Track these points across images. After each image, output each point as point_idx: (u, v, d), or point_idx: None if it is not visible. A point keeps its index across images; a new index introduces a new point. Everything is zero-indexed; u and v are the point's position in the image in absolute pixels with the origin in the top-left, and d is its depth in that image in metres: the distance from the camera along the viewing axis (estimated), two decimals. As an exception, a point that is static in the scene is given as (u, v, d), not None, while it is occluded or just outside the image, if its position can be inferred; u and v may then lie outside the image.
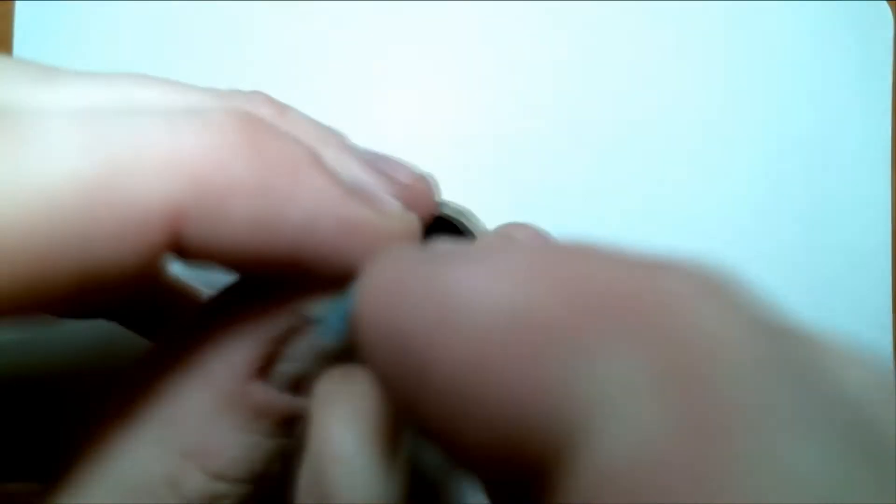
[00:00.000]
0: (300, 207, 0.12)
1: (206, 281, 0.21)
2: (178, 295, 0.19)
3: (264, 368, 0.13)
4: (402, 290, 0.09)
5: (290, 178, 0.12)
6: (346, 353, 0.12)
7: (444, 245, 0.11)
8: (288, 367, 0.14)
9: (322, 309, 0.13)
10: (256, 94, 0.14)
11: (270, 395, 0.13)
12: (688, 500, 0.07)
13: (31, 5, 0.26)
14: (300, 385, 0.14)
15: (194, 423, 0.13)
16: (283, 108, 0.14)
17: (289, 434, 0.14)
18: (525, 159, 0.26)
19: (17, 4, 0.26)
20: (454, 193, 0.20)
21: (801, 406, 0.07)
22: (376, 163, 0.15)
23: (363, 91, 0.26)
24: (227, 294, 0.14)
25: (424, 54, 0.27)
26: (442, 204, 0.15)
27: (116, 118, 0.11)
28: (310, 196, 0.12)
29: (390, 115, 0.26)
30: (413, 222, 0.14)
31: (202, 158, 0.11)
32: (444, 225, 0.15)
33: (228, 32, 0.26)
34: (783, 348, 0.08)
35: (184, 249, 0.11)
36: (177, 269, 0.22)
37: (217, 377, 0.13)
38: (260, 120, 0.12)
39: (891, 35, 0.27)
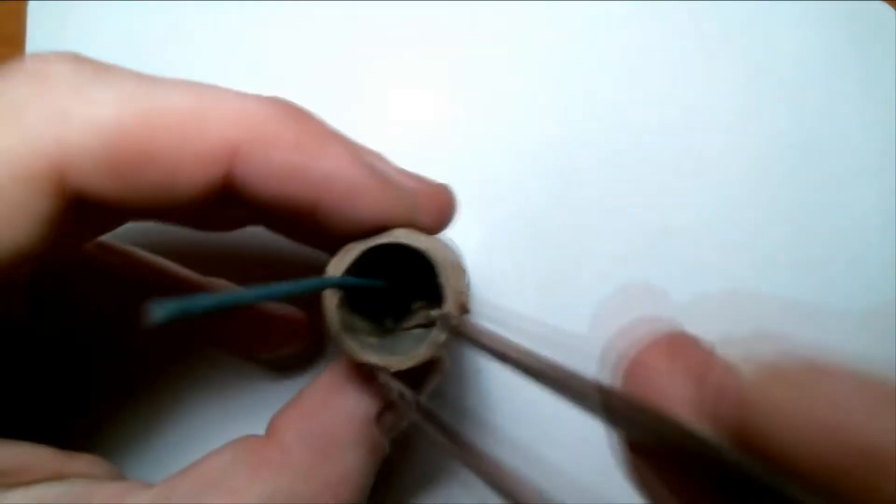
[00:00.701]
0: (322, 165, 0.15)
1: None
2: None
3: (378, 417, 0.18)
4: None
5: (318, 142, 0.15)
6: None
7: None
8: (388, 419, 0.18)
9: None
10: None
11: (381, 438, 0.17)
12: None
13: (44, 5, 0.26)
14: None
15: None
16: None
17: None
18: (535, 168, 0.26)
19: (30, 4, 0.26)
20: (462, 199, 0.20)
21: None
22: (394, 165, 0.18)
23: (365, 103, 0.27)
24: None
25: (433, 61, 0.27)
26: (415, 239, 0.16)
27: (202, 83, 0.15)
28: (331, 158, 0.15)
29: (398, 124, 0.27)
30: (413, 200, 0.17)
31: (257, 116, 0.15)
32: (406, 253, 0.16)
33: (238, 33, 0.27)
34: None
35: (232, 185, 0.15)
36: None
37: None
38: (299, 105, 0.16)
39: (893, 37, 0.27)
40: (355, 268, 0.16)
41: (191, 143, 0.14)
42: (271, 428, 0.18)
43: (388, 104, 0.27)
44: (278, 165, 0.15)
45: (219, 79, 0.26)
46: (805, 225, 0.26)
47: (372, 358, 0.16)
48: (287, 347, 0.24)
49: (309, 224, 0.16)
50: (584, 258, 0.26)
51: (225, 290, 0.22)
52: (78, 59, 0.15)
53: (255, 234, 0.23)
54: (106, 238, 0.21)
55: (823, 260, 0.26)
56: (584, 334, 0.25)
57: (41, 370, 0.22)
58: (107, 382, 0.24)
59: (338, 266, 0.16)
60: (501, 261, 0.25)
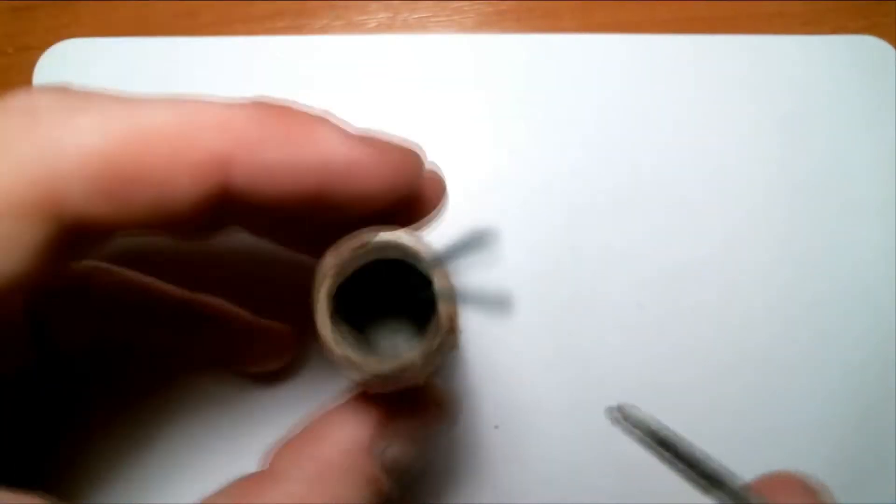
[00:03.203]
0: (316, 150, 0.15)
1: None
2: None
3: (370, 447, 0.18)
4: None
5: (307, 130, 0.16)
6: None
7: None
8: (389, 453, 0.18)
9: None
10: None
11: (376, 470, 0.17)
12: None
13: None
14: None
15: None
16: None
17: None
18: (554, 211, 0.26)
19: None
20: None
21: None
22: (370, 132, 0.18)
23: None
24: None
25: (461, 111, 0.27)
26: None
27: (186, 97, 0.15)
28: (323, 141, 0.16)
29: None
30: (414, 157, 0.17)
31: (243, 121, 0.15)
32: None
33: (242, 70, 0.27)
34: None
35: (233, 193, 0.15)
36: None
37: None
38: (280, 100, 0.16)
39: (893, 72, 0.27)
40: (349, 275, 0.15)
41: (181, 158, 0.15)
42: (269, 458, 0.18)
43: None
44: (273, 163, 0.15)
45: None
46: (808, 262, 0.26)
47: (349, 353, 0.15)
48: (273, 360, 0.24)
49: (314, 216, 0.16)
50: (597, 305, 0.26)
51: (223, 305, 0.23)
52: (64, 90, 0.15)
53: (238, 247, 0.23)
54: (93, 259, 0.21)
55: (827, 295, 0.26)
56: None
57: (30, 399, 0.22)
58: (97, 402, 0.24)
59: (332, 262, 0.15)
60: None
